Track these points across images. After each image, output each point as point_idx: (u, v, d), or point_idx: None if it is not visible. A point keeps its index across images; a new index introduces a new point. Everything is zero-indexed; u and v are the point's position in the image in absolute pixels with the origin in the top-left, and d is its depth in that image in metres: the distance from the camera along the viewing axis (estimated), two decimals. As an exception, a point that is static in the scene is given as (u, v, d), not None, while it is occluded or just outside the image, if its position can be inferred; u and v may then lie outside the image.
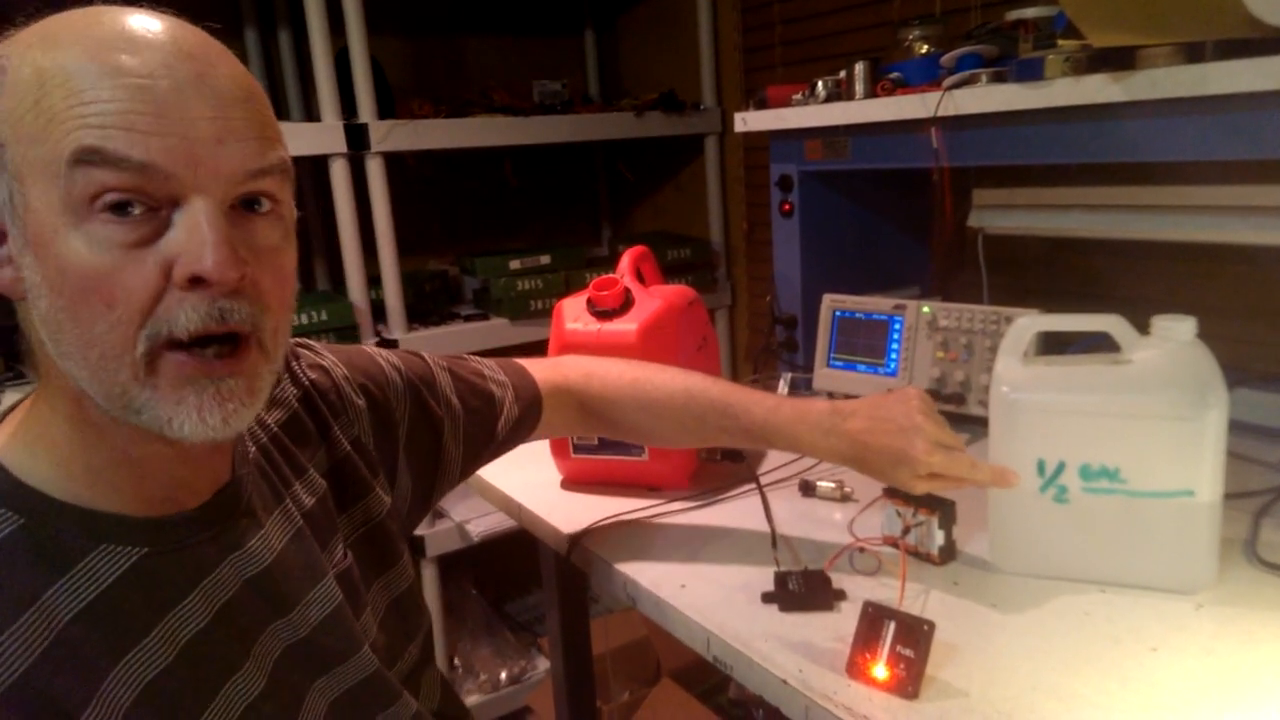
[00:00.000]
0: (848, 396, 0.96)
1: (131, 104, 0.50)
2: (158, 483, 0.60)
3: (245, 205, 0.56)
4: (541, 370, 0.99)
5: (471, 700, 2.10)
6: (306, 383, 0.78)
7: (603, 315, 1.12)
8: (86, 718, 0.53)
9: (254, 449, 0.70)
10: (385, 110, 1.85)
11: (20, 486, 0.56)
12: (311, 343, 0.84)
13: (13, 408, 0.62)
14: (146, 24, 0.54)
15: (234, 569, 0.63)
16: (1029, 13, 1.17)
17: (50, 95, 0.51)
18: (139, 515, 0.59)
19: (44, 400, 0.58)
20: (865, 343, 1.37)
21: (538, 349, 1.16)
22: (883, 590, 0.88)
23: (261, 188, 0.56)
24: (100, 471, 0.58)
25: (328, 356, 0.82)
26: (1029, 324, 0.89)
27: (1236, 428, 1.03)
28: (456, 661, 2.18)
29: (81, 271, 0.51)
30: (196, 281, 0.52)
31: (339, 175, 1.77)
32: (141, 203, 0.51)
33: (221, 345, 0.55)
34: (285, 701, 0.64)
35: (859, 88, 1.33)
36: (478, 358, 0.99)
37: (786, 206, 1.53)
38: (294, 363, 0.79)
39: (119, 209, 0.51)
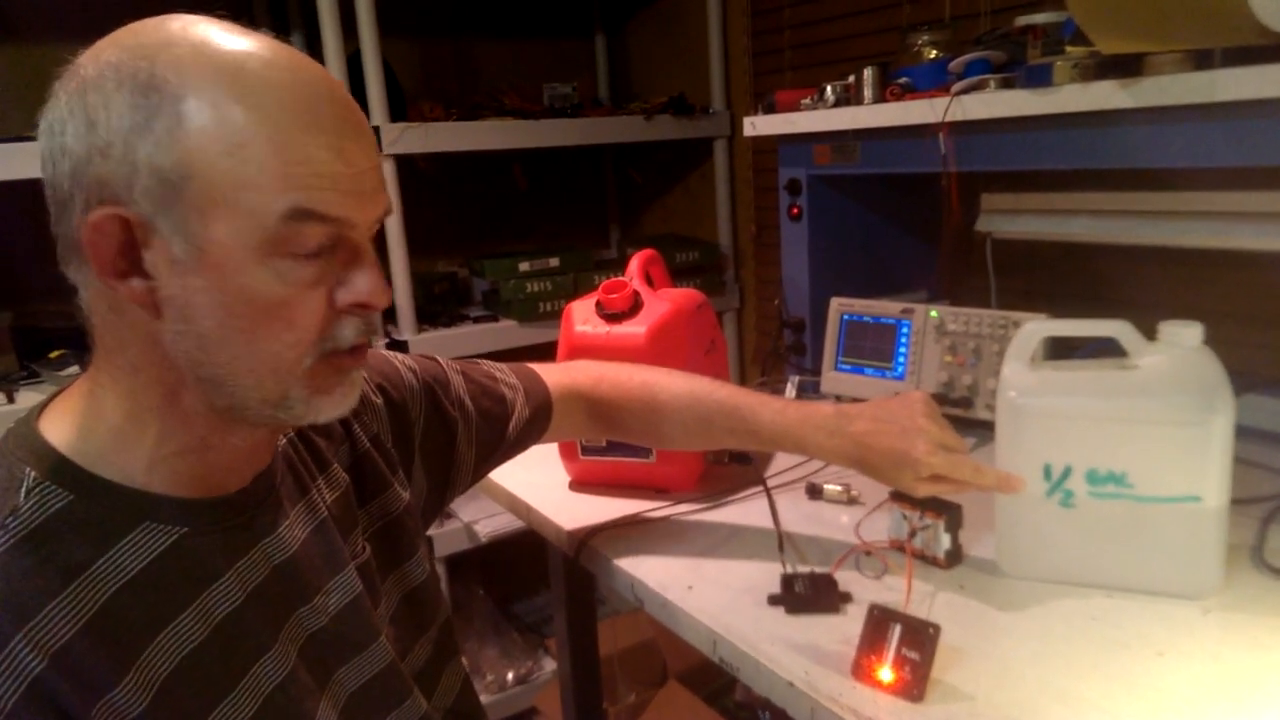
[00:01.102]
0: (855, 400, 0.97)
1: (333, 165, 0.57)
2: (214, 467, 0.64)
3: None
4: (552, 374, 1.01)
5: (478, 701, 2.10)
6: None
7: (612, 318, 1.12)
8: (124, 686, 0.56)
9: (283, 442, 0.73)
10: (396, 113, 1.86)
11: (69, 465, 0.59)
12: None
13: (56, 393, 0.65)
14: (306, 68, 0.59)
15: (264, 554, 0.66)
16: (1038, 18, 1.17)
17: (255, 147, 0.55)
18: (179, 496, 0.62)
19: (109, 391, 0.61)
20: (873, 346, 1.37)
21: (546, 351, 1.17)
22: (889, 593, 0.88)
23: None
24: (165, 458, 0.61)
25: None
26: (1036, 329, 0.89)
27: (1246, 433, 1.03)
28: (464, 661, 2.19)
29: (265, 300, 0.57)
30: (363, 308, 0.61)
31: (350, 177, 1.78)
32: (328, 248, 0.59)
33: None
34: (309, 688, 0.66)
35: (867, 92, 1.33)
36: (489, 361, 1.00)
37: (795, 210, 1.54)
38: None
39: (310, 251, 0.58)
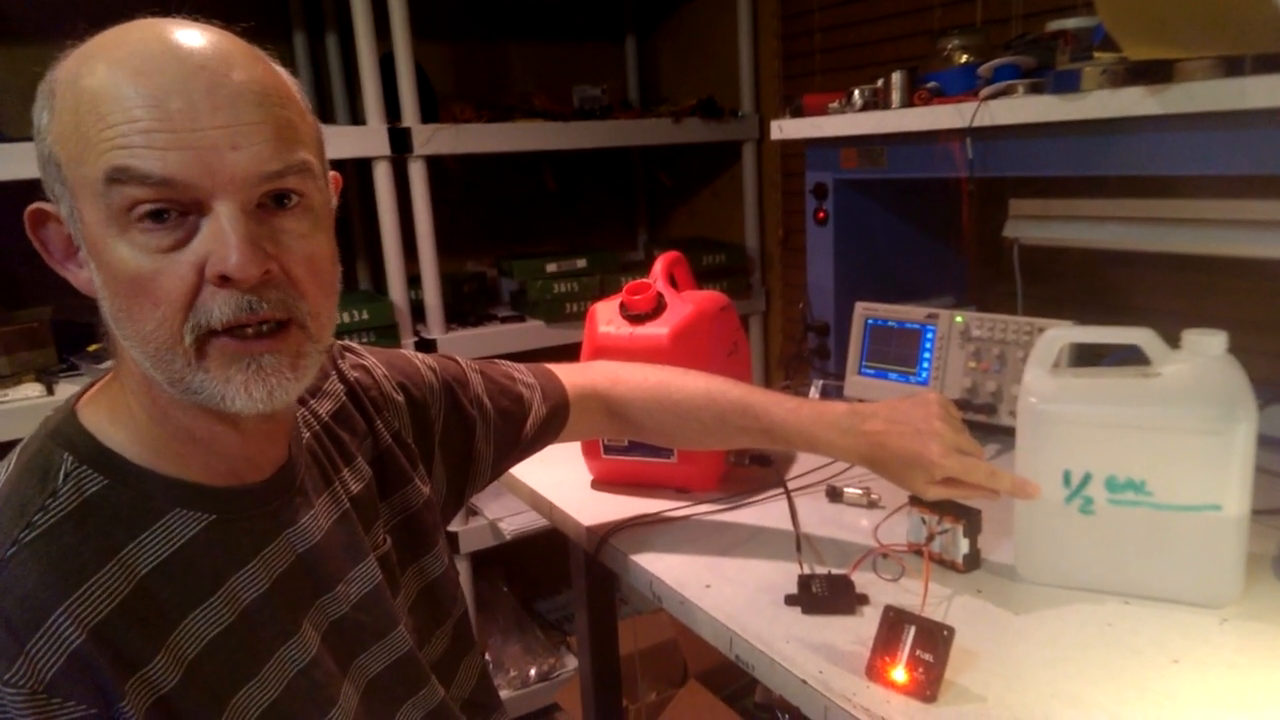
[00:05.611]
0: (876, 404, 0.98)
1: (149, 123, 0.54)
2: (223, 458, 0.65)
3: (274, 201, 0.59)
4: (569, 375, 1.02)
5: (501, 695, 2.13)
6: (352, 379, 0.83)
7: (635, 319, 1.14)
8: (154, 664, 0.58)
9: (308, 435, 0.75)
10: (428, 114, 1.88)
11: (105, 451, 0.62)
12: (354, 345, 0.88)
13: (94, 382, 0.67)
14: (166, 40, 0.57)
15: (288, 543, 0.68)
16: (1069, 23, 1.17)
17: (84, 120, 0.55)
18: (208, 484, 0.64)
19: (119, 379, 0.64)
20: (897, 351, 1.37)
21: (572, 351, 1.18)
22: (906, 596, 0.88)
23: (283, 187, 0.59)
24: (169, 444, 0.63)
25: (369, 357, 0.87)
26: (1058, 335, 0.89)
27: (1272, 444, 1.01)
28: (487, 657, 2.21)
29: (128, 276, 0.56)
30: (225, 279, 0.56)
31: (382, 178, 1.81)
32: (172, 209, 0.56)
33: (259, 327, 0.59)
34: (330, 673, 0.68)
35: (896, 97, 1.33)
36: (508, 362, 1.02)
37: (821, 214, 1.54)
38: (339, 362, 0.84)
39: (155, 217, 0.56)
